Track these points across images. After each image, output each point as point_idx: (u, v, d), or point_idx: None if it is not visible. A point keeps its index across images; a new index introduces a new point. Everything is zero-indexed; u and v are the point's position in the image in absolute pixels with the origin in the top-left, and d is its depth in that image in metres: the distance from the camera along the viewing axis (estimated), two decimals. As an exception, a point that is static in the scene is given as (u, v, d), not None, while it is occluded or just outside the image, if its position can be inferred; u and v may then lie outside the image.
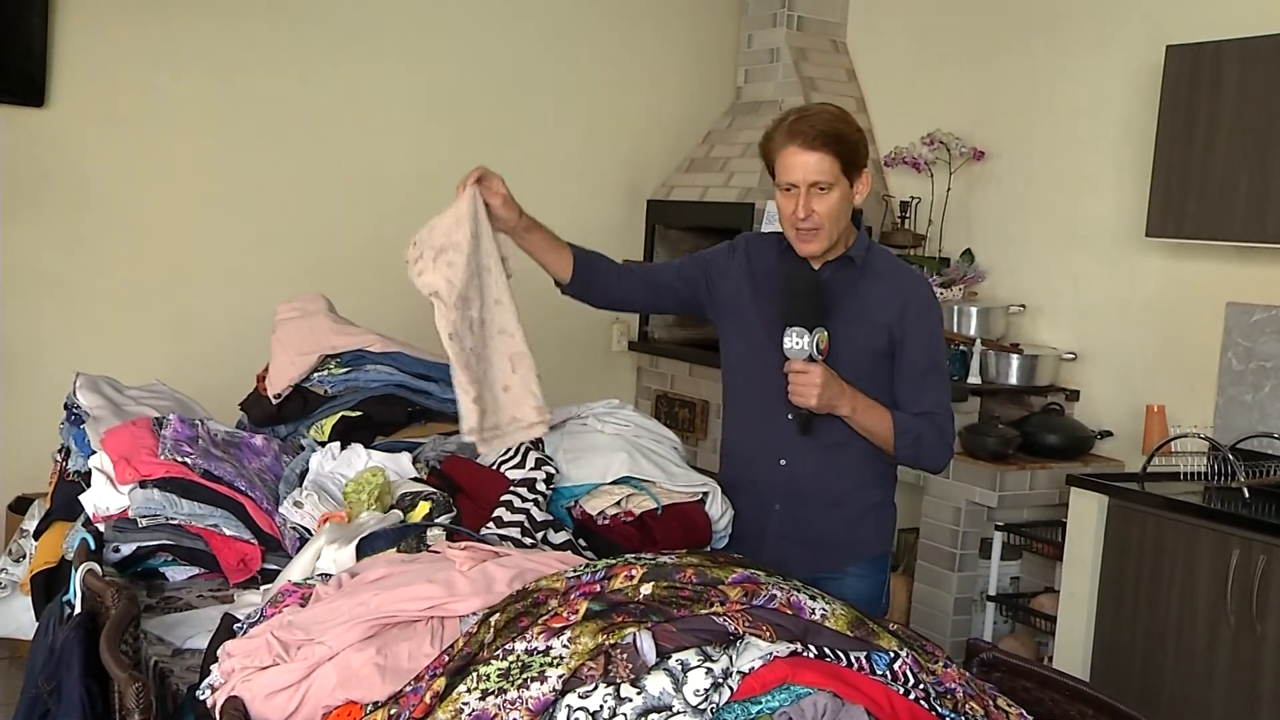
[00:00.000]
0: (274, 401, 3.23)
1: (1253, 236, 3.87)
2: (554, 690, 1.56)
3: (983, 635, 4.47)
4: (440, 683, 1.63)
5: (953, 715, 1.77)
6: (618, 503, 2.70)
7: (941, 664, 1.88)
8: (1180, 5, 4.34)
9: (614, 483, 2.73)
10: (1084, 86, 4.68)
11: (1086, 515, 3.97)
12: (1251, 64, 3.80)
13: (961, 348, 4.67)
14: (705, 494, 2.77)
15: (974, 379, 4.61)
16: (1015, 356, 4.64)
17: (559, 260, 2.91)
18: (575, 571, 1.81)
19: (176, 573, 2.73)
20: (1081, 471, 4.21)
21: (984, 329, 4.75)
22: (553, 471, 2.75)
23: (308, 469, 2.93)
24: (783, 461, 2.70)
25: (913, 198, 5.18)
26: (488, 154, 5.46)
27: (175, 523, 2.72)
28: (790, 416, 2.64)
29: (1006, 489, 4.36)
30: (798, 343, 2.52)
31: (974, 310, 4.77)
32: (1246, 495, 3.75)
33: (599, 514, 2.68)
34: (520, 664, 1.60)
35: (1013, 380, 4.63)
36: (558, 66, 5.60)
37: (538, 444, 2.90)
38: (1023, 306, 4.87)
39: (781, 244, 2.72)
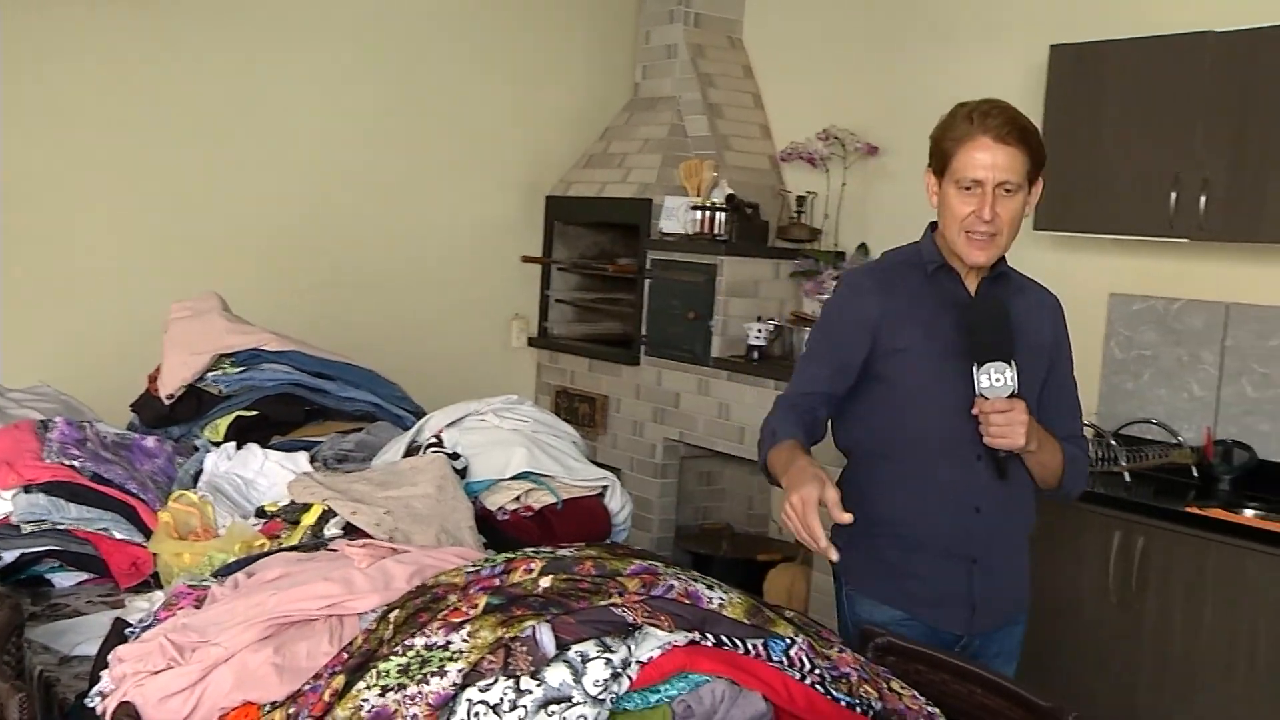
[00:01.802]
0: (166, 402, 3.18)
1: (1133, 230, 3.99)
2: (454, 684, 1.56)
3: (880, 622, 4.55)
4: (339, 680, 1.62)
5: (848, 699, 1.81)
6: (517, 498, 2.71)
7: (837, 649, 1.92)
8: (1064, 7, 4.46)
9: (514, 478, 2.74)
10: (973, 84, 4.75)
11: (978, 502, 4.06)
12: (1132, 63, 3.93)
13: (857, 340, 4.75)
14: (605, 488, 2.79)
15: (869, 371, 4.69)
16: (909, 348, 4.73)
17: None
18: (474, 566, 1.81)
19: (64, 579, 2.67)
20: (974, 460, 4.30)
21: (879, 322, 4.83)
22: (461, 467, 2.75)
23: (202, 470, 2.89)
24: (978, 509, 2.38)
25: (809, 192, 5.24)
26: (390, 151, 5.44)
27: (62, 528, 2.66)
28: (979, 459, 2.34)
29: (902, 478, 4.44)
30: (998, 379, 2.22)
31: (869, 303, 4.85)
32: (1128, 479, 3.87)
33: (499, 509, 2.68)
34: (420, 659, 1.59)
35: (907, 372, 4.72)
36: (458, 63, 5.57)
37: (438, 441, 2.90)
38: (916, 299, 4.96)
39: (922, 264, 2.42)
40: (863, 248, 5.13)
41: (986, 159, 2.25)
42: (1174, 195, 3.78)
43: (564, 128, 5.89)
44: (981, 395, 2.24)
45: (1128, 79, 3.94)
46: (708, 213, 5.12)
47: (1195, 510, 3.66)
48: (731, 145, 5.46)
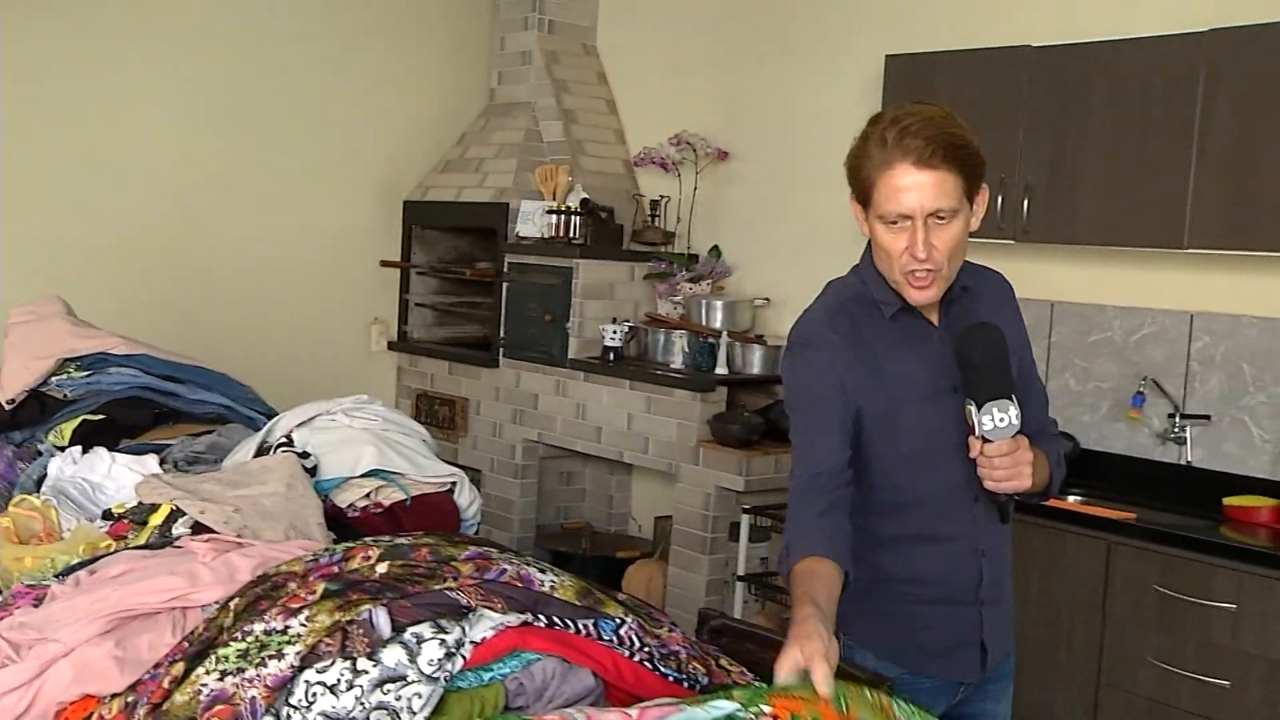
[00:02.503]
0: (7, 407, 3.15)
1: (965, 232, 4.20)
2: (292, 667, 1.62)
3: (733, 613, 4.69)
4: (179, 667, 1.67)
5: (676, 675, 1.91)
6: (367, 495, 2.76)
7: (666, 629, 2.03)
8: (898, 19, 4.67)
9: (364, 475, 2.79)
10: (818, 92, 4.96)
11: (823, 494, 4.22)
12: (960, 73, 4.14)
13: (709, 340, 4.89)
14: (454, 484, 2.86)
15: (721, 370, 4.82)
16: (759, 347, 4.89)
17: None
18: (314, 555, 1.87)
19: (-105, 589, 2.63)
20: (820, 454, 4.46)
21: (730, 322, 4.98)
22: (312, 465, 2.79)
23: (46, 475, 2.87)
24: (983, 552, 2.18)
25: (662, 196, 5.37)
26: (247, 156, 5.41)
27: (-103, 535, 2.63)
28: (977, 499, 2.11)
29: (753, 474, 4.59)
30: (1002, 419, 1.95)
31: (720, 304, 5.00)
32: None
33: (349, 506, 2.73)
34: (259, 644, 1.65)
35: (756, 370, 4.88)
36: (315, 68, 5.56)
37: (289, 441, 2.93)
38: (767, 300, 5.13)
39: (874, 302, 2.13)
40: (715, 250, 5.27)
41: (911, 187, 1.94)
42: (1000, 199, 3.99)
43: (421, 133, 5.93)
44: (983, 438, 1.97)
45: (956, 88, 4.14)
46: (563, 216, 5.21)
47: (1022, 497, 3.87)
48: (586, 150, 5.56)
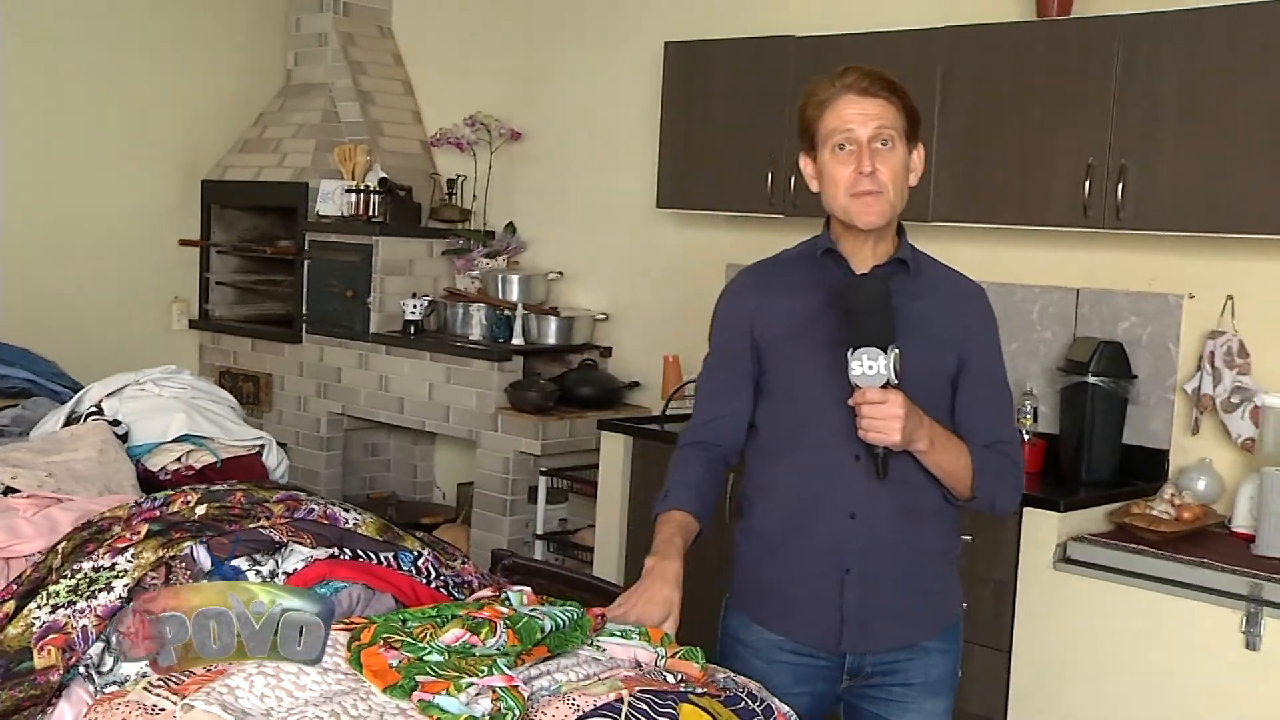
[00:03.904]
0: None
1: (741, 207, 4.55)
2: (120, 598, 1.81)
3: (535, 570, 4.95)
4: (9, 606, 1.83)
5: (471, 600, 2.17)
6: (179, 459, 2.91)
7: (460, 561, 2.28)
8: (679, 8, 4.98)
9: (174, 440, 2.94)
10: (605, 76, 5.25)
11: (614, 454, 4.53)
12: (732, 61, 4.48)
13: (505, 313, 5.13)
14: (262, 446, 3.04)
15: (517, 340, 5.07)
16: (554, 319, 5.16)
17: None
18: (136, 502, 2.05)
19: None
20: (613, 418, 4.77)
21: (526, 295, 5.23)
22: (123, 432, 2.93)
23: None
24: (853, 515, 2.17)
25: (458, 175, 5.58)
26: (36, 133, 5.37)
27: None
28: (858, 458, 2.14)
29: (549, 438, 4.86)
30: (871, 366, 2.01)
31: (515, 278, 5.24)
32: (741, 427, 4.42)
33: (161, 469, 2.88)
34: (88, 579, 1.83)
35: (552, 340, 5.15)
36: (107, 43, 5.54)
37: (99, 410, 3.06)
38: (560, 274, 5.40)
39: (806, 255, 2.25)
40: (510, 226, 5.51)
41: (855, 113, 2.09)
42: (770, 176, 4.35)
43: (218, 113, 5.97)
44: (855, 385, 2.04)
45: (729, 74, 4.48)
46: (362, 195, 5.36)
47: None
48: (384, 131, 5.72)
